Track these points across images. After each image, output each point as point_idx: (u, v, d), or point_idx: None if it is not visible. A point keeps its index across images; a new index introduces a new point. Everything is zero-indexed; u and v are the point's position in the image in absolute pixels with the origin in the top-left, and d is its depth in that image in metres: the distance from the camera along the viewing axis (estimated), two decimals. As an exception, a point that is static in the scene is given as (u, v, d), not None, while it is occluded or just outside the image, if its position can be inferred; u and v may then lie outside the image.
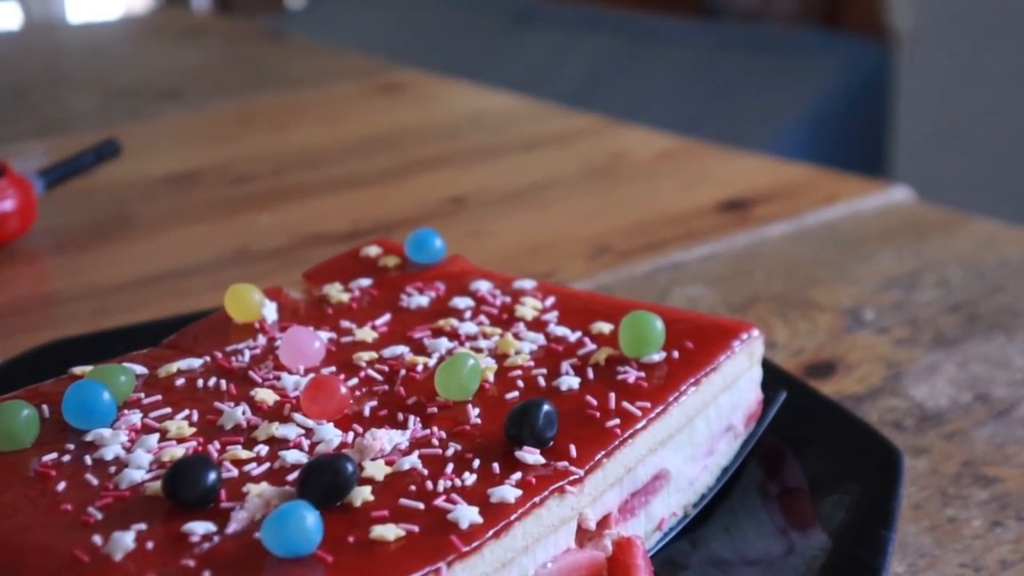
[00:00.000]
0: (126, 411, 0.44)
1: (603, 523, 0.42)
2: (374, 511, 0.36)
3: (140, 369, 0.47)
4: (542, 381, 0.45)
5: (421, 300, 0.54)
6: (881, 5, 2.21)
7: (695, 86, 2.36)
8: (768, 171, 1.01)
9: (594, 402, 0.43)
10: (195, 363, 0.48)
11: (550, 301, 0.53)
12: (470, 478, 0.39)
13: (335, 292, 0.55)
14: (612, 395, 0.44)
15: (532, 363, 0.47)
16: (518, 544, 0.37)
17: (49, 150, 1.12)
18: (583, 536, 0.41)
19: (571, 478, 0.39)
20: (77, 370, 0.47)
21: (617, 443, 0.42)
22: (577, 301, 0.53)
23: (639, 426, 0.43)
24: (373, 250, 0.59)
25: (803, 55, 2.28)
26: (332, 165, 1.07)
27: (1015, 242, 0.82)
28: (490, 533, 0.36)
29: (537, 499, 0.38)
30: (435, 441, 0.41)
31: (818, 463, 0.50)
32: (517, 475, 0.39)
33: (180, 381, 0.46)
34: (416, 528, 0.36)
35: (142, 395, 0.45)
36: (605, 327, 0.50)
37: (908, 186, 0.95)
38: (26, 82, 1.52)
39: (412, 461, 0.39)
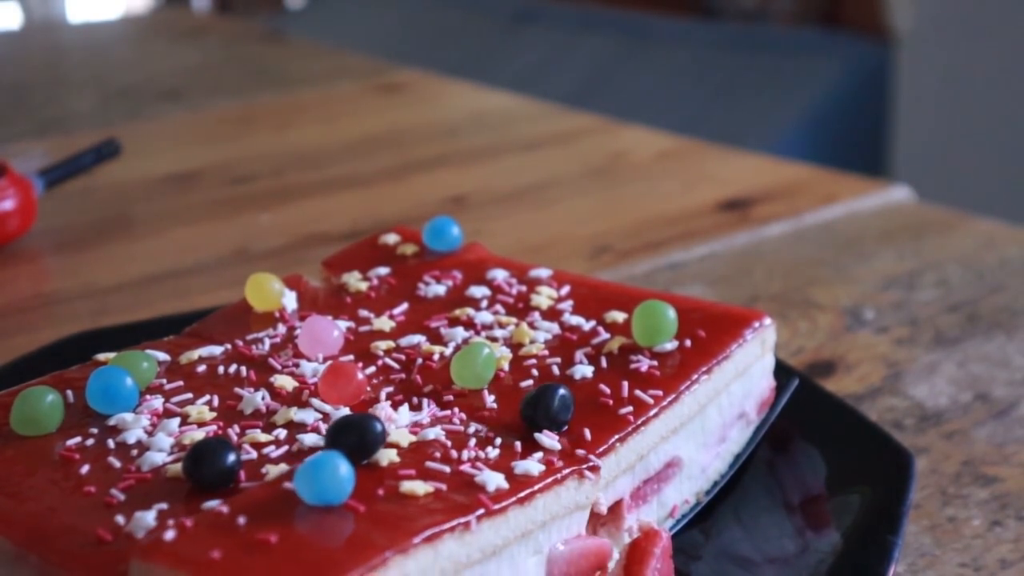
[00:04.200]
0: (148, 396, 0.44)
1: (615, 509, 0.42)
2: (401, 470, 0.37)
3: (162, 356, 0.48)
4: (556, 370, 0.46)
5: (438, 289, 0.54)
6: (881, 5, 2.21)
7: (695, 86, 2.36)
8: (768, 171, 1.01)
9: (607, 390, 0.44)
10: (216, 351, 0.48)
11: (565, 290, 0.53)
12: (493, 452, 0.39)
13: (354, 281, 0.55)
14: (625, 383, 0.44)
15: (546, 352, 0.47)
16: (538, 517, 0.38)
17: (49, 150, 1.12)
18: (596, 520, 0.41)
19: (590, 464, 0.40)
20: (101, 356, 0.48)
21: (630, 430, 0.42)
22: (591, 290, 0.54)
23: (651, 413, 0.43)
24: (391, 238, 0.60)
25: (803, 55, 2.29)
26: (332, 165, 1.07)
27: (1015, 242, 0.82)
28: (515, 498, 0.37)
29: (559, 476, 0.39)
30: (456, 420, 0.42)
31: (828, 459, 0.51)
32: (539, 454, 0.40)
33: (201, 368, 0.47)
34: (444, 487, 0.36)
35: (164, 381, 0.46)
36: (619, 316, 0.50)
37: (908, 186, 0.95)
38: (26, 82, 1.52)
39: (436, 432, 0.40)
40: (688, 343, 0.48)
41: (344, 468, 0.35)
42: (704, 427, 0.47)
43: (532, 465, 0.38)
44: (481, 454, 0.39)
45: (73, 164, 0.93)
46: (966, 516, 0.50)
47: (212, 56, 1.65)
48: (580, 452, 0.40)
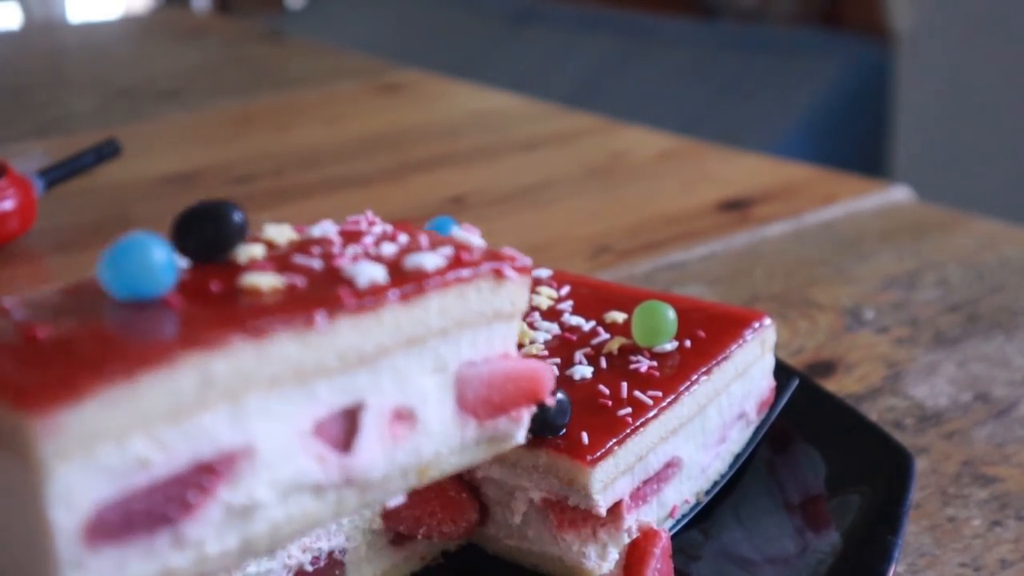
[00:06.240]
0: None
1: (614, 510, 0.42)
2: (257, 264, 0.30)
3: None
4: (555, 370, 0.46)
5: None
6: (881, 5, 2.21)
7: (695, 86, 2.36)
8: (768, 171, 1.01)
9: (606, 391, 0.44)
10: None
11: (565, 290, 0.54)
12: (391, 247, 0.32)
13: None
14: (624, 384, 0.44)
15: (546, 352, 0.47)
16: (432, 322, 0.31)
17: (49, 150, 1.12)
18: (595, 522, 0.41)
19: (518, 263, 0.34)
20: None
21: (628, 431, 0.42)
22: (591, 290, 0.54)
23: (650, 415, 0.43)
24: None
25: (803, 55, 2.29)
26: (332, 165, 1.07)
27: (1015, 242, 0.82)
28: (393, 295, 0.30)
29: (466, 273, 0.31)
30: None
31: (828, 459, 0.51)
32: (449, 249, 0.32)
33: None
34: (300, 281, 0.29)
35: None
36: (619, 316, 0.50)
37: (908, 186, 0.95)
38: (26, 82, 1.52)
39: (329, 229, 0.33)
40: (688, 343, 0.48)
41: (159, 253, 0.28)
42: (704, 427, 0.47)
43: (429, 258, 0.31)
44: (373, 250, 0.31)
45: (73, 164, 0.93)
46: (966, 516, 0.50)
47: (212, 56, 1.65)
48: (508, 251, 0.35)
